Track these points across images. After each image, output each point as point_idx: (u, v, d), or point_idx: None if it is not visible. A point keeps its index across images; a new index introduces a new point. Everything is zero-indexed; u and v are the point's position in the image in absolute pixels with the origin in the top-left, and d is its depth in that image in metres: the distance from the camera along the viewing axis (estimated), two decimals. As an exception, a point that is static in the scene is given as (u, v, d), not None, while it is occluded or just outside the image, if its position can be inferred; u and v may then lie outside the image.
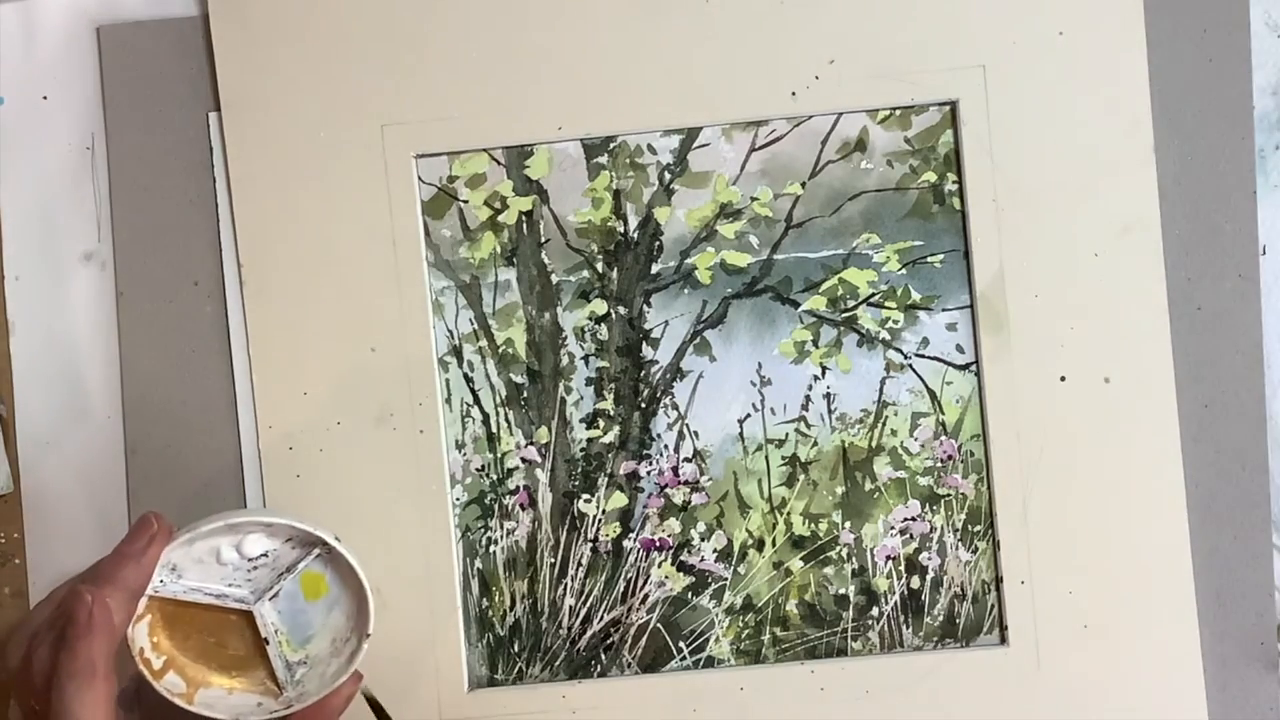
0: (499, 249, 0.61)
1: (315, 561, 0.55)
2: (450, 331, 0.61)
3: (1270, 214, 0.60)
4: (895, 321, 0.60)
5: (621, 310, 0.61)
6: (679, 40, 0.59)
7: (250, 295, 0.60)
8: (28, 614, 0.53)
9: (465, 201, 0.61)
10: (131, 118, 0.61)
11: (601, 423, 0.61)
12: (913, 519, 0.61)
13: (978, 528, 0.60)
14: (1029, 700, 0.60)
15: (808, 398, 0.61)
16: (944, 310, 0.60)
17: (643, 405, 0.61)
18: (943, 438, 0.60)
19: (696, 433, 0.61)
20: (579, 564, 0.61)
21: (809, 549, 0.61)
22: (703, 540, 0.61)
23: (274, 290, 0.60)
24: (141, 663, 0.53)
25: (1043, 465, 0.59)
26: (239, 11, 0.60)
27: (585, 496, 0.61)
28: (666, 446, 0.61)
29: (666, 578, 0.61)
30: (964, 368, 0.60)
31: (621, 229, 0.61)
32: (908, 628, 0.61)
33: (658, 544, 0.61)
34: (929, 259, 0.60)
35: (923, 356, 0.60)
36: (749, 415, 0.61)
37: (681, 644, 0.61)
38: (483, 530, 0.61)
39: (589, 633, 0.61)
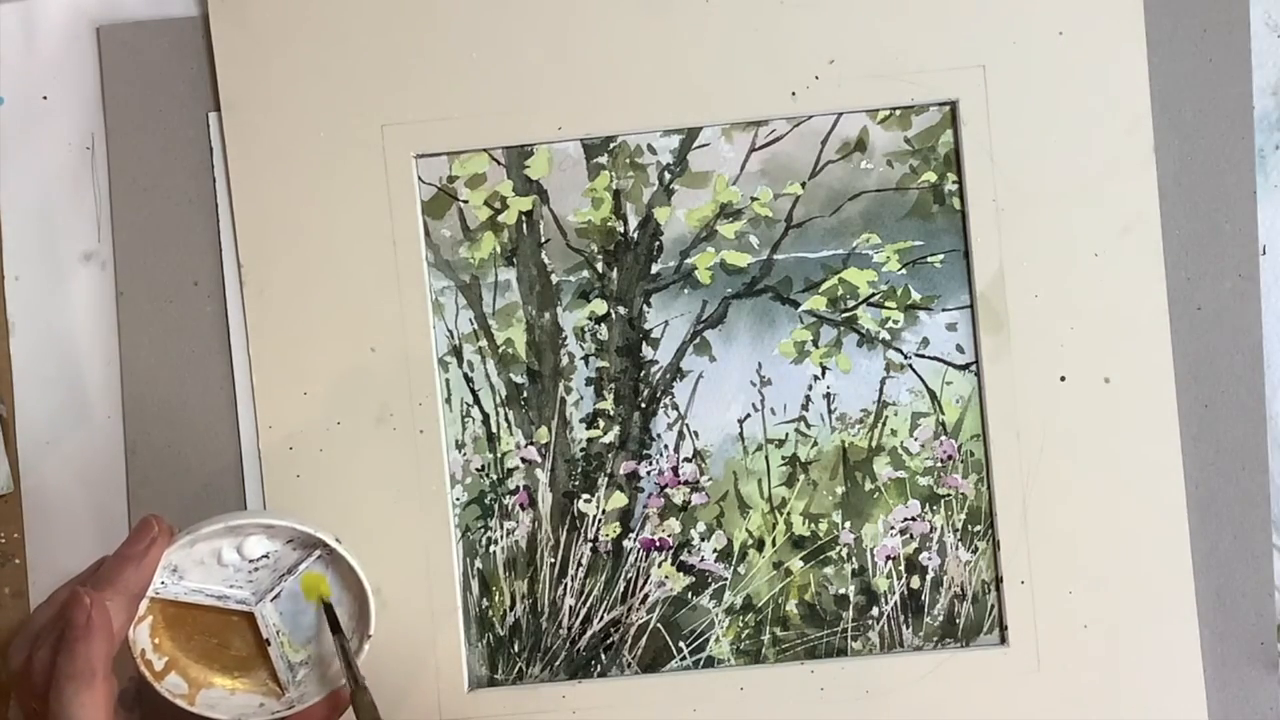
0: (499, 249, 0.61)
1: (316, 563, 0.55)
2: (450, 331, 0.61)
3: (1270, 214, 0.60)
4: (895, 321, 0.60)
5: (621, 310, 0.61)
6: (679, 40, 0.59)
7: (250, 295, 0.60)
8: (29, 616, 0.53)
9: (465, 201, 0.61)
10: (131, 118, 0.61)
11: (601, 423, 0.61)
12: (913, 519, 0.61)
13: (978, 528, 0.60)
14: (1029, 700, 0.60)
15: (808, 398, 0.61)
16: (944, 310, 0.60)
17: (643, 405, 0.61)
18: (943, 438, 0.60)
19: (696, 433, 0.61)
20: (579, 564, 0.61)
21: (809, 549, 0.61)
22: (703, 540, 0.61)
23: (274, 290, 0.60)
24: (143, 664, 0.53)
25: (1043, 465, 0.59)
26: (239, 11, 0.60)
27: (585, 496, 0.61)
28: (666, 446, 0.61)
29: (666, 578, 0.61)
30: (964, 368, 0.60)
31: (621, 229, 0.61)
32: (908, 628, 0.61)
33: (658, 544, 0.61)
34: (929, 259, 0.60)
35: (923, 356, 0.60)
36: (749, 415, 0.61)
37: (681, 644, 0.61)
38: (483, 530, 0.61)
39: (589, 633, 0.61)
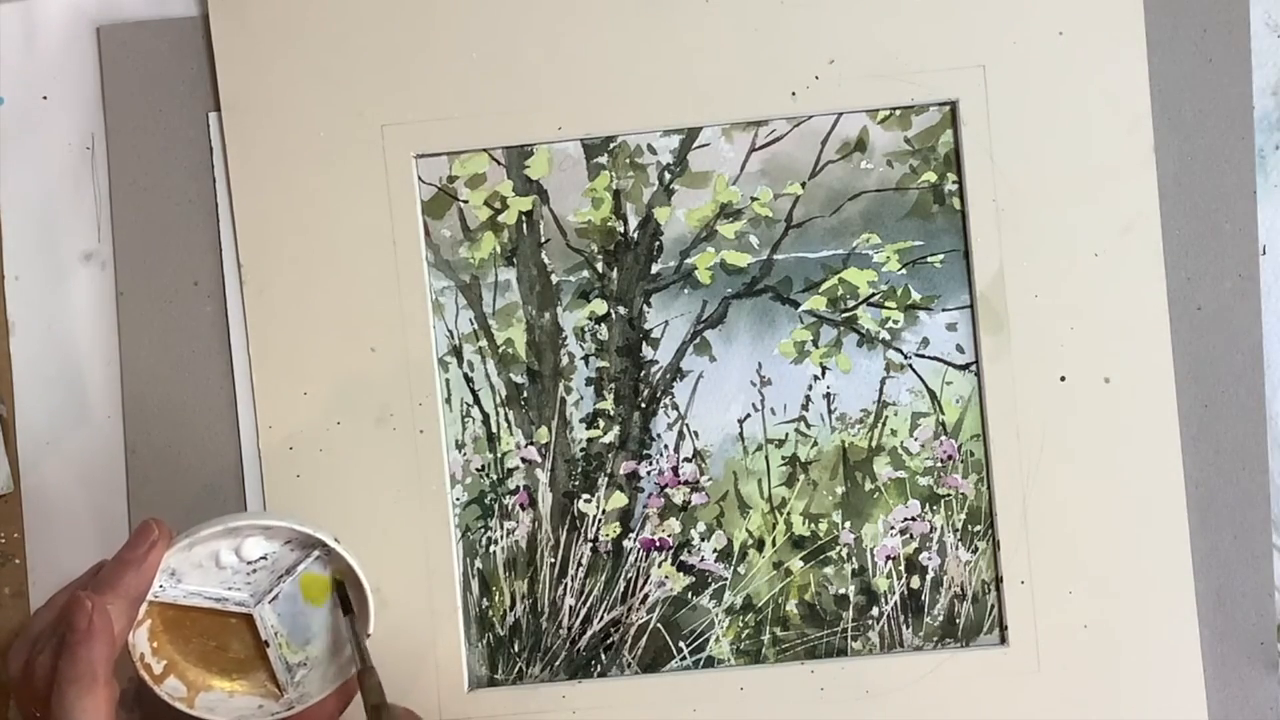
0: (499, 249, 0.61)
1: (314, 563, 0.55)
2: (450, 331, 0.61)
3: (1270, 214, 0.60)
4: (895, 321, 0.60)
5: (621, 310, 0.61)
6: (679, 40, 0.59)
7: (250, 295, 0.60)
8: (28, 620, 0.53)
9: (465, 201, 0.61)
10: (131, 118, 0.61)
11: (601, 423, 0.61)
12: (913, 519, 0.61)
13: (978, 528, 0.60)
14: (1029, 700, 0.60)
15: (808, 398, 0.61)
16: (944, 310, 0.60)
17: (643, 405, 0.61)
18: (943, 438, 0.60)
19: (696, 433, 0.61)
20: (579, 564, 0.61)
21: (809, 549, 0.61)
22: (703, 540, 0.61)
23: (274, 290, 0.60)
24: (142, 668, 0.53)
25: (1043, 465, 0.59)
26: (239, 11, 0.60)
27: (585, 496, 0.61)
28: (666, 446, 0.61)
29: (666, 578, 0.61)
30: (964, 368, 0.60)
31: (621, 229, 0.61)
32: (908, 628, 0.61)
33: (658, 544, 0.61)
34: (929, 259, 0.60)
35: (923, 356, 0.60)
36: (749, 415, 0.61)
37: (681, 644, 0.61)
38: (483, 530, 0.61)
39: (589, 633, 0.61)
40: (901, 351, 0.60)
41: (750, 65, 0.59)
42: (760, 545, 0.61)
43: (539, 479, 0.61)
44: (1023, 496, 0.59)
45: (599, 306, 0.61)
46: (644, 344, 0.61)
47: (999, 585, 0.60)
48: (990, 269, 0.59)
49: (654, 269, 0.61)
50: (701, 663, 0.61)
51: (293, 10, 0.60)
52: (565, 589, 0.61)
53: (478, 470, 0.61)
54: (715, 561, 0.61)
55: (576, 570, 0.61)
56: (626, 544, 0.61)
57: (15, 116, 0.61)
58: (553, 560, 0.61)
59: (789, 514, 0.61)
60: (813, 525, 0.61)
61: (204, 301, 0.61)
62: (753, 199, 0.60)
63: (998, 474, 0.60)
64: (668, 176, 0.60)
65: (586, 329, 0.61)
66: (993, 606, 0.60)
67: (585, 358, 0.61)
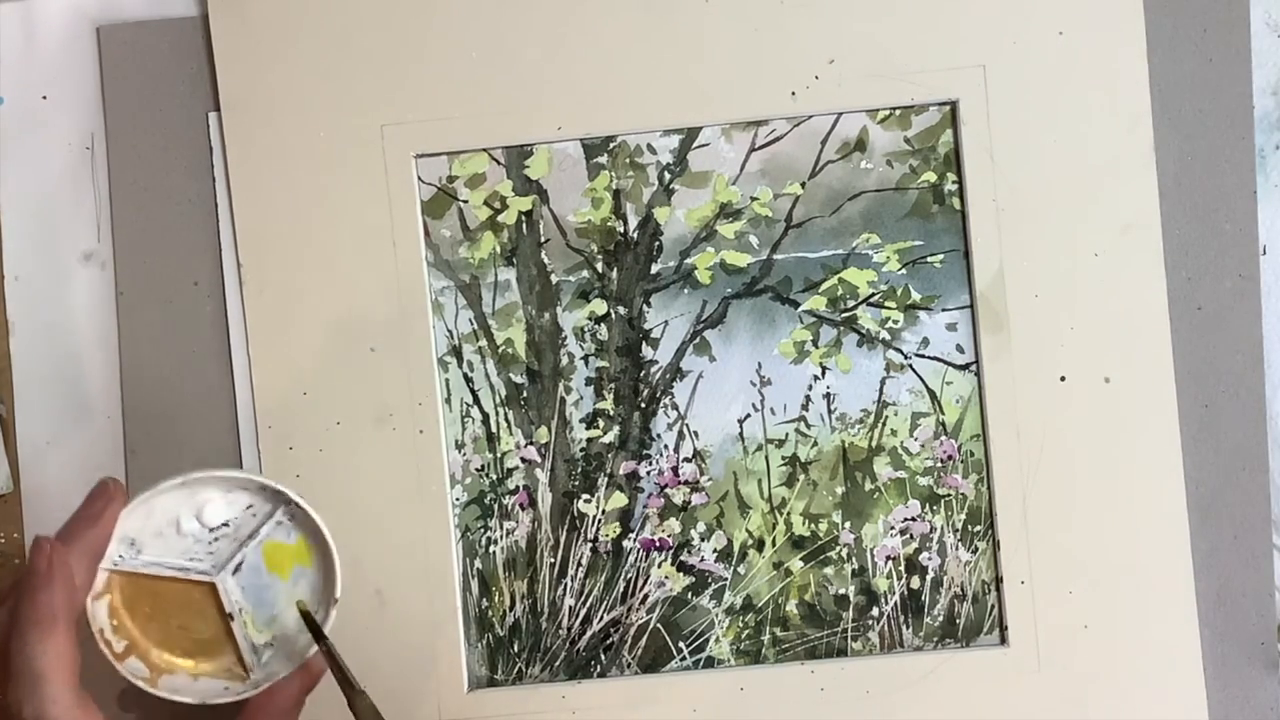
0: (499, 249, 0.61)
1: (278, 530, 0.54)
2: (450, 331, 0.61)
3: (1270, 214, 0.60)
4: (895, 321, 0.60)
5: (621, 310, 0.61)
6: (679, 40, 0.59)
7: (250, 295, 0.60)
8: None
9: (465, 201, 0.61)
10: (131, 118, 0.61)
11: (601, 423, 0.61)
12: (913, 519, 0.61)
13: (978, 528, 0.60)
14: (1029, 700, 0.60)
15: (808, 398, 0.61)
16: (944, 310, 0.60)
17: (643, 405, 0.61)
18: (943, 438, 0.60)
19: (696, 433, 0.61)
20: (579, 564, 0.61)
21: (809, 549, 0.61)
22: (703, 540, 0.61)
23: (274, 290, 0.60)
24: (103, 643, 0.52)
25: (1043, 465, 0.59)
26: (239, 11, 0.60)
27: (585, 496, 0.61)
28: (666, 446, 0.61)
29: (666, 578, 0.61)
30: (964, 368, 0.60)
31: (621, 229, 0.61)
32: (908, 628, 0.61)
33: (658, 544, 0.61)
34: (929, 259, 0.60)
35: (923, 356, 0.60)
36: (749, 415, 0.61)
37: (681, 644, 0.61)
38: (483, 530, 0.61)
39: (589, 633, 0.61)
40: (901, 351, 0.60)
41: (750, 65, 0.59)
42: (760, 545, 0.61)
43: (539, 479, 0.61)
44: (1023, 496, 0.59)
45: (599, 306, 0.61)
46: (644, 344, 0.61)
47: (999, 585, 0.60)
48: (990, 269, 0.59)
49: (654, 269, 0.61)
50: (701, 663, 0.61)
51: (293, 10, 0.60)
52: (565, 589, 0.61)
53: (477, 470, 0.61)
54: (715, 562, 0.61)
55: (576, 570, 0.61)
56: (626, 544, 0.61)
57: (15, 116, 0.61)
58: (552, 560, 0.61)
59: (789, 514, 0.61)
60: (813, 525, 0.61)
61: (204, 301, 0.61)
62: (753, 199, 0.60)
63: (998, 474, 0.60)
64: (667, 176, 0.60)
65: (586, 329, 0.61)
66: (993, 606, 0.60)
67: (585, 358, 0.61)
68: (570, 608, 0.61)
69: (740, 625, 0.61)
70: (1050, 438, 0.59)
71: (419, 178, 0.60)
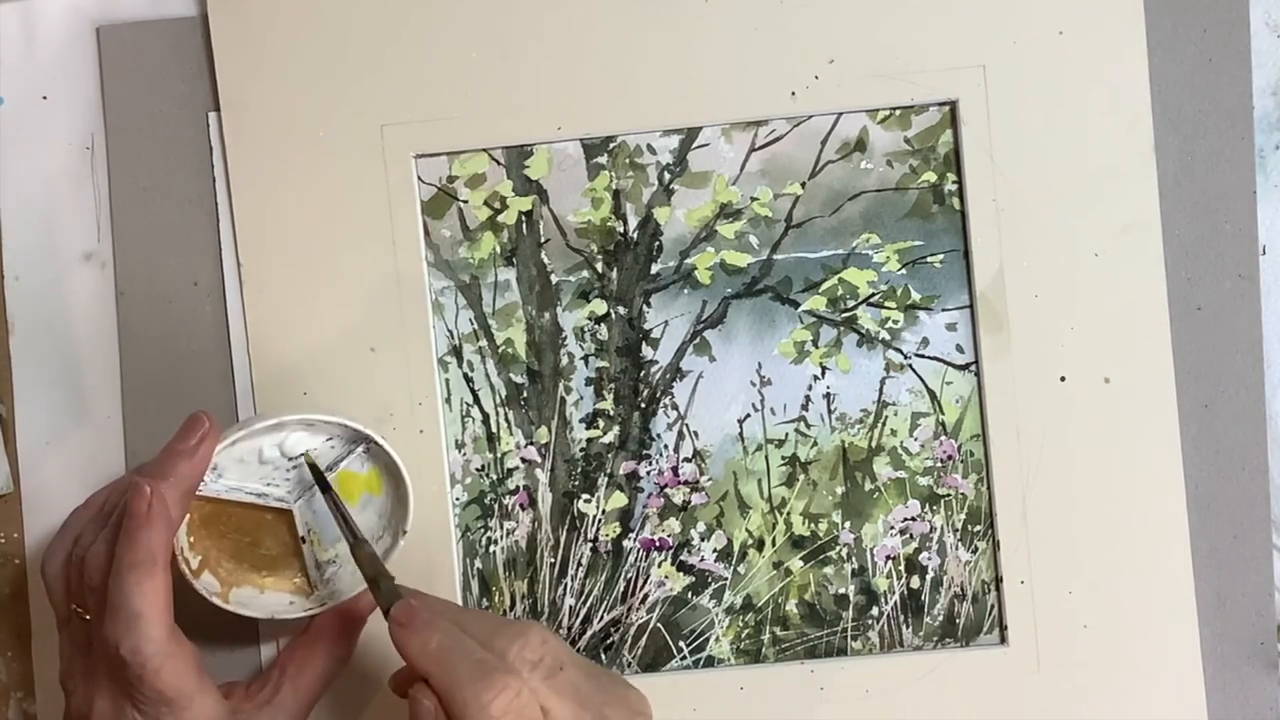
0: (499, 249, 0.61)
1: (354, 460, 0.56)
2: (450, 331, 0.61)
3: (1270, 214, 0.60)
4: (895, 321, 0.60)
5: (621, 310, 0.61)
6: (679, 40, 0.59)
7: (250, 295, 0.60)
8: (67, 518, 0.54)
9: (465, 201, 0.61)
10: (131, 118, 0.61)
11: (601, 423, 0.61)
12: (913, 519, 0.61)
13: (978, 528, 0.60)
14: (1029, 700, 0.60)
15: (808, 398, 0.61)
16: (944, 310, 0.60)
17: (643, 405, 0.61)
18: (943, 438, 0.60)
19: (696, 433, 0.61)
20: (579, 564, 0.61)
21: (809, 549, 0.61)
22: (703, 540, 0.61)
23: (274, 290, 0.60)
24: (181, 561, 0.54)
25: (1043, 465, 0.59)
26: (239, 11, 0.60)
27: (585, 496, 0.61)
28: (666, 446, 0.61)
29: (666, 578, 0.61)
30: (964, 368, 0.60)
31: (621, 229, 0.61)
32: (908, 628, 0.61)
33: (658, 544, 0.61)
34: (929, 259, 0.60)
35: (923, 356, 0.60)
36: (749, 415, 0.61)
37: (681, 644, 0.61)
38: (483, 530, 0.61)
39: (589, 633, 0.61)
40: (901, 351, 0.60)
41: (750, 65, 0.59)
42: (760, 545, 0.61)
43: (539, 479, 0.61)
44: (1023, 496, 0.59)
45: (599, 306, 0.61)
46: (644, 344, 0.61)
47: (999, 585, 0.60)
48: (990, 269, 0.59)
49: (654, 269, 0.61)
50: (701, 662, 0.61)
51: (292, 10, 0.60)
52: (565, 589, 0.61)
53: (477, 470, 0.61)
54: (715, 561, 0.61)
55: (576, 570, 0.61)
56: (626, 544, 0.61)
57: (15, 116, 0.61)
58: (553, 560, 0.61)
59: (789, 514, 0.61)
60: (813, 525, 0.61)
61: (204, 301, 0.61)
62: (752, 199, 0.60)
63: (998, 474, 0.60)
64: (667, 176, 0.60)
65: (586, 329, 0.61)
66: (993, 606, 0.60)
67: (585, 358, 0.61)
68: (570, 607, 0.61)
69: (740, 625, 0.61)
70: (1050, 438, 0.59)
71: (419, 178, 0.60)
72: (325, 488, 0.54)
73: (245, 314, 0.60)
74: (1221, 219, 0.60)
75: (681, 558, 0.61)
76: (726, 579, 0.61)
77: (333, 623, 0.56)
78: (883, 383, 0.61)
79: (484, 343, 0.61)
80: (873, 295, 0.60)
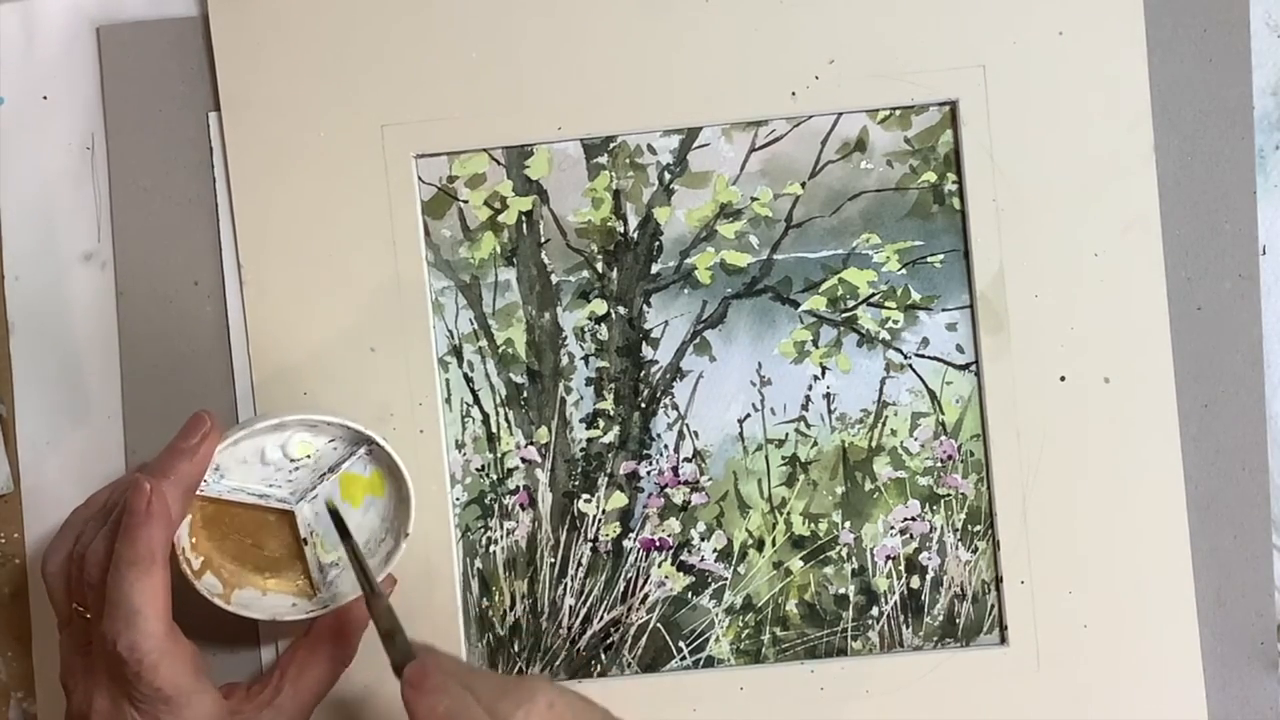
0: (499, 249, 0.61)
1: (356, 463, 0.56)
2: (450, 331, 0.61)
3: (1270, 214, 0.60)
4: (895, 321, 0.60)
5: (621, 310, 0.61)
6: (679, 40, 0.59)
7: (250, 295, 0.60)
8: (68, 517, 0.55)
9: (465, 201, 0.61)
10: (131, 118, 0.61)
11: (601, 423, 0.61)
12: (913, 519, 0.61)
13: (978, 528, 0.60)
14: (1029, 700, 0.60)
15: (808, 398, 0.61)
16: (944, 310, 0.60)
17: (643, 405, 0.61)
18: (943, 438, 0.60)
19: (696, 433, 0.61)
20: (579, 564, 0.61)
21: (809, 549, 0.61)
22: (703, 540, 0.61)
23: (274, 290, 0.60)
24: (183, 562, 0.54)
25: (1043, 465, 0.59)
26: (239, 11, 0.60)
27: (585, 496, 0.61)
28: (666, 446, 0.61)
29: (666, 578, 0.61)
30: (964, 368, 0.60)
31: (621, 229, 0.61)
32: (908, 627, 0.61)
33: (658, 544, 0.61)
34: (929, 259, 0.60)
35: (923, 356, 0.60)
36: (749, 415, 0.61)
37: (681, 644, 0.61)
38: (483, 530, 0.61)
39: (589, 633, 0.61)
40: (901, 351, 0.60)
41: (750, 65, 0.59)
42: (760, 545, 0.61)
43: (539, 479, 0.61)
44: (1023, 496, 0.59)
45: (599, 306, 0.61)
46: (644, 344, 0.61)
47: (999, 585, 0.60)
48: (990, 269, 0.59)
49: (654, 269, 0.61)
50: (701, 662, 0.61)
51: (293, 10, 0.60)
52: (565, 589, 0.61)
53: (478, 470, 0.61)
54: (715, 561, 0.61)
55: (576, 570, 0.61)
56: (626, 544, 0.61)
57: (15, 116, 0.61)
58: (553, 560, 0.61)
59: (789, 514, 0.61)
60: (813, 525, 0.61)
61: (204, 301, 0.61)
62: (752, 199, 0.60)
63: (998, 474, 0.60)
64: (668, 176, 0.60)
65: (586, 329, 0.61)
66: (993, 606, 0.60)
67: (585, 358, 0.61)
68: (570, 607, 0.61)
69: (740, 625, 0.61)
70: (1050, 438, 0.59)
71: (419, 178, 0.60)
72: (345, 534, 0.54)
73: (245, 314, 0.60)
74: (1221, 219, 0.60)
75: (681, 558, 0.61)
76: (726, 579, 0.61)
77: (334, 625, 0.56)
78: (883, 383, 0.61)
79: (484, 343, 0.61)
80: (873, 295, 0.60)
